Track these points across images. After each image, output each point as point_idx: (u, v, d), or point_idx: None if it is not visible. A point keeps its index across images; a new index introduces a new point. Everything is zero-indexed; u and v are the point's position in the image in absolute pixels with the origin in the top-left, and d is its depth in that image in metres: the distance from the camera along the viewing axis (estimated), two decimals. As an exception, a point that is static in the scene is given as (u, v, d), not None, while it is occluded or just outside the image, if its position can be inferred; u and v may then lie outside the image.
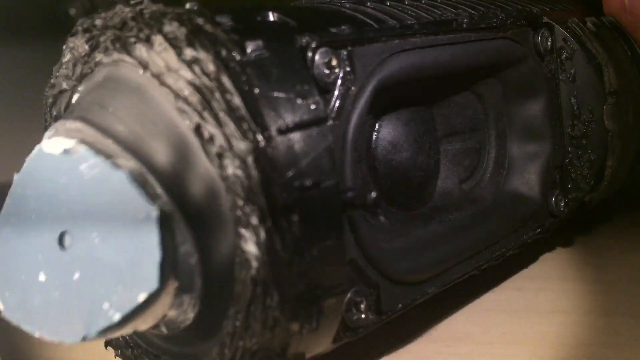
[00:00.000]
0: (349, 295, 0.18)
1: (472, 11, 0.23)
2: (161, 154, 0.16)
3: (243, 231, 0.15)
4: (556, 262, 0.29)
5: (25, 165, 0.17)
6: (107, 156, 0.16)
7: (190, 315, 0.17)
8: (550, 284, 0.27)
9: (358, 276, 0.19)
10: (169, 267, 0.16)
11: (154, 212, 0.15)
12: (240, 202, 0.15)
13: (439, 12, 0.22)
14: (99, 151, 0.16)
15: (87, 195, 0.16)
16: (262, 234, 0.15)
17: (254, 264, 0.15)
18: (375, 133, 0.22)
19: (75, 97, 0.19)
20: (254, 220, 0.15)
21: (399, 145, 0.23)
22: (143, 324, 0.17)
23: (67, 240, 0.16)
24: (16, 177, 0.18)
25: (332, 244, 0.16)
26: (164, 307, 0.17)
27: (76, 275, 0.16)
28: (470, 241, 0.23)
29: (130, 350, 0.20)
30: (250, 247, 0.15)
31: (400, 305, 0.20)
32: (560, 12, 0.27)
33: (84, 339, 0.16)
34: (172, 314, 0.17)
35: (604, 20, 0.29)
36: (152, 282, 0.15)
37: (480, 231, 0.23)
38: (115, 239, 0.16)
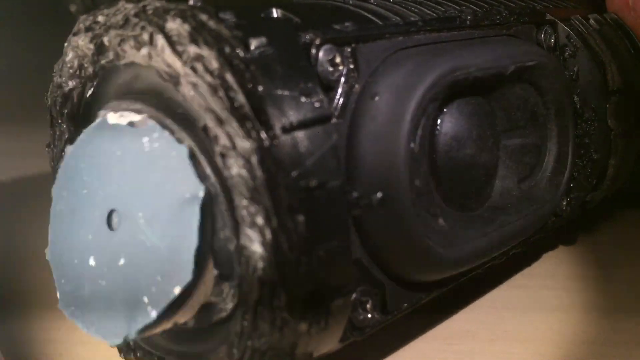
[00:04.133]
0: (355, 295, 0.18)
1: (476, 8, 0.23)
2: (204, 140, 0.16)
3: (248, 231, 0.15)
4: (558, 260, 0.29)
5: (82, 136, 0.18)
6: (171, 132, 0.16)
7: (230, 305, 0.17)
8: (552, 282, 0.27)
9: (364, 276, 0.18)
10: (205, 255, 0.16)
11: (200, 191, 0.16)
12: (245, 202, 0.15)
13: (443, 9, 0.22)
14: (165, 126, 0.17)
15: (140, 170, 0.16)
16: (268, 234, 0.15)
17: (260, 264, 0.15)
18: (437, 128, 0.21)
19: (90, 92, 0.19)
20: (260, 220, 0.15)
21: (463, 141, 0.21)
22: (182, 317, 0.17)
23: (115, 219, 0.17)
24: (70, 148, 0.18)
25: (338, 244, 0.16)
26: (203, 297, 0.17)
27: (122, 261, 0.16)
28: (512, 240, 0.22)
29: (132, 353, 0.20)
30: (256, 247, 0.15)
31: (405, 304, 0.20)
32: (563, 9, 0.27)
33: (125, 339, 0.16)
34: (212, 299, 0.17)
35: (606, 17, 0.29)
36: (187, 272, 0.15)
37: (518, 230, 0.23)
38: (159, 220, 0.16)
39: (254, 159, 0.15)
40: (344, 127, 0.18)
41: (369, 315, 0.19)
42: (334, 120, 0.17)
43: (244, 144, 0.15)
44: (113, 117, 0.17)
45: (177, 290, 0.16)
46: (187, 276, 0.15)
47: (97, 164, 0.17)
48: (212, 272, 0.16)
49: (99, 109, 0.19)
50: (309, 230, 0.15)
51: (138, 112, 0.17)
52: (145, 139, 0.16)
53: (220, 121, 0.15)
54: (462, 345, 0.23)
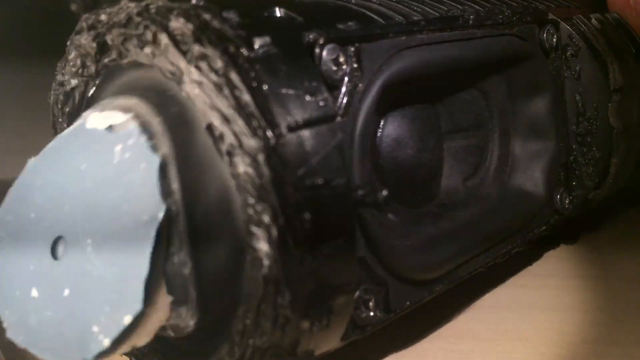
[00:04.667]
0: (358, 293, 0.18)
1: (478, 7, 0.23)
2: (192, 145, 0.16)
3: (255, 229, 0.15)
4: (560, 259, 0.29)
5: (50, 145, 0.17)
6: (151, 136, 0.16)
7: (191, 322, 0.17)
8: (553, 281, 0.27)
9: (367, 274, 0.18)
10: (157, 281, 0.16)
11: (160, 212, 0.15)
12: (252, 201, 0.15)
13: (445, 9, 0.22)
14: (145, 129, 0.16)
15: (100, 188, 0.16)
16: (274, 232, 0.15)
17: (266, 262, 0.15)
18: (380, 130, 0.22)
19: (92, 91, 0.19)
20: (266, 218, 0.15)
21: (404, 143, 0.22)
22: (138, 341, 0.16)
23: (60, 248, 0.16)
24: (31, 162, 0.17)
25: (343, 242, 0.16)
26: (158, 322, 0.16)
27: (66, 292, 0.16)
28: (478, 239, 0.23)
29: (138, 348, 0.20)
30: (262, 245, 0.15)
31: (408, 303, 0.20)
32: (565, 9, 0.27)
33: None
34: (171, 322, 0.17)
35: (608, 16, 0.29)
36: (136, 302, 0.15)
37: (488, 229, 0.23)
38: (109, 246, 0.16)
39: (261, 157, 0.15)
40: (348, 126, 0.18)
41: (372, 314, 0.19)
42: (338, 119, 0.17)
43: (251, 142, 0.15)
44: (94, 119, 0.17)
45: (127, 319, 0.15)
46: (137, 305, 0.15)
47: (55, 181, 0.17)
48: (165, 298, 0.16)
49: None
50: (314, 228, 0.16)
51: (127, 110, 0.17)
52: (118, 147, 0.16)
53: (226, 120, 0.15)
54: (464, 344, 0.23)
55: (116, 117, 0.17)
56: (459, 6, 0.23)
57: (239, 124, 0.15)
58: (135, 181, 0.16)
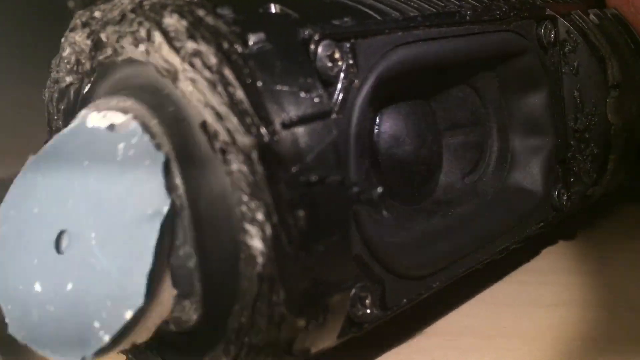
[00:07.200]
0: (354, 290, 0.18)
1: (476, 3, 0.23)
2: (191, 142, 0.16)
3: (248, 227, 0.15)
4: (558, 255, 0.29)
5: (50, 144, 0.17)
6: (152, 135, 0.16)
7: (194, 316, 0.17)
8: (552, 278, 0.27)
9: (363, 271, 0.18)
10: (160, 275, 0.16)
11: (165, 206, 0.15)
12: (245, 198, 0.15)
13: (442, 4, 0.22)
14: (148, 129, 0.16)
15: (104, 183, 0.16)
16: (268, 230, 0.15)
17: (260, 259, 0.15)
18: (376, 127, 0.22)
19: (87, 88, 0.19)
20: (260, 215, 0.15)
21: (402, 139, 0.22)
22: (138, 338, 0.16)
23: (64, 242, 0.16)
24: (32, 159, 0.17)
25: (338, 239, 0.16)
26: (159, 318, 0.16)
27: (69, 286, 0.16)
28: (475, 235, 0.23)
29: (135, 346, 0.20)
30: (256, 243, 0.15)
31: (405, 300, 0.20)
32: (563, 5, 0.27)
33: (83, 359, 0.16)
34: (175, 315, 0.17)
35: (606, 12, 0.29)
36: (139, 296, 0.15)
37: (484, 225, 0.23)
38: (113, 240, 0.16)
39: (255, 155, 0.15)
40: (344, 123, 0.18)
41: (368, 311, 0.19)
42: (333, 115, 0.17)
43: (245, 140, 0.15)
44: (94, 119, 0.17)
45: (128, 314, 0.15)
46: (138, 300, 0.15)
47: (57, 178, 0.17)
48: (169, 292, 0.16)
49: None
50: (309, 226, 0.15)
51: (125, 111, 0.17)
52: (121, 145, 0.16)
53: (219, 117, 0.15)
54: (461, 341, 0.23)
55: (116, 117, 0.17)
56: (456, 2, 0.23)
57: (233, 121, 0.15)
58: (140, 177, 0.16)
